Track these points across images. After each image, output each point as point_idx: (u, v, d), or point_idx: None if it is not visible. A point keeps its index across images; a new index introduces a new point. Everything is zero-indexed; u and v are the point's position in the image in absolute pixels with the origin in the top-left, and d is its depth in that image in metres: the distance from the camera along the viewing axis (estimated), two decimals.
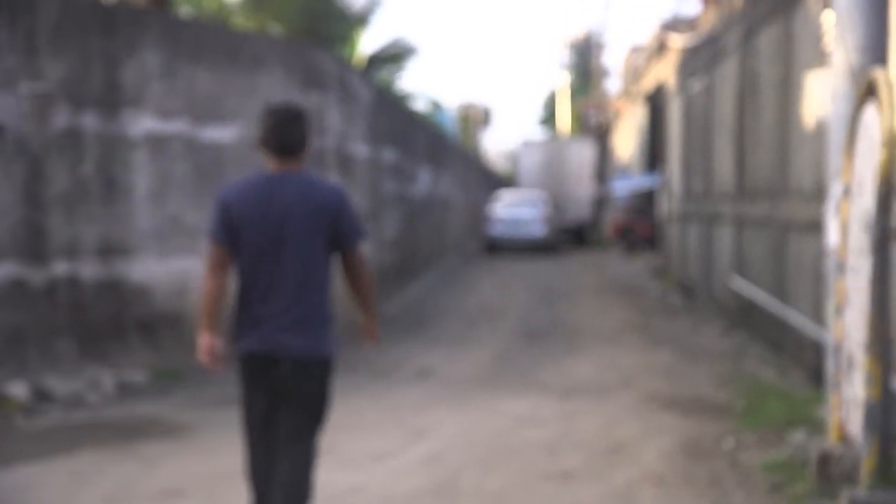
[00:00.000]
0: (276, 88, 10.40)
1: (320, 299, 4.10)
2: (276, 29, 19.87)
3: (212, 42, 9.50)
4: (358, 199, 12.60)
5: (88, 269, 8.28)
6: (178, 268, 9.17)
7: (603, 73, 33.61)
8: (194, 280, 9.35)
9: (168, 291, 9.04)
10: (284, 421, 4.08)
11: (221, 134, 9.63)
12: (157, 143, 8.90)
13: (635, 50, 35.06)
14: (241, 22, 19.39)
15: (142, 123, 8.72)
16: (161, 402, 7.81)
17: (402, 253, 17.54)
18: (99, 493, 5.32)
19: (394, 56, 28.02)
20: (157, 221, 8.92)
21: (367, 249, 4.37)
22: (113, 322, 8.51)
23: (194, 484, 5.50)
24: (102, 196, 8.42)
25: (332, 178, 11.67)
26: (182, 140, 9.16)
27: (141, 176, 8.75)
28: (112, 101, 8.46)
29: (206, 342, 4.04)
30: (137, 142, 8.69)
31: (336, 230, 4.08)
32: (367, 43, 25.95)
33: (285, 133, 4.07)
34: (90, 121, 8.28)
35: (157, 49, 8.84)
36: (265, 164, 4.16)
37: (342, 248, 4.12)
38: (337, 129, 11.86)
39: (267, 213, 4.03)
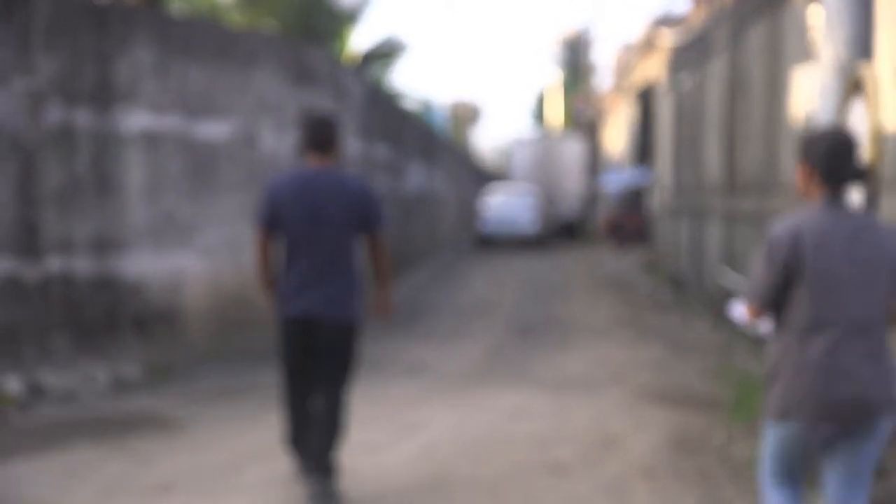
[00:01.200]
0: (269, 85, 10.42)
1: (348, 274, 5.05)
2: (269, 25, 19.86)
3: (204, 39, 9.52)
4: None
5: (82, 265, 8.30)
6: (171, 264, 9.19)
7: (594, 70, 33.62)
8: (188, 276, 9.37)
9: (162, 287, 9.07)
10: (320, 371, 5.07)
11: (215, 130, 9.66)
12: (151, 140, 8.92)
13: (626, 47, 35.07)
14: (235, 18, 19.39)
15: (135, 120, 8.74)
16: (155, 398, 7.83)
17: (394, 248, 17.57)
18: (93, 489, 5.34)
19: (385, 53, 28.01)
20: (150, 217, 8.94)
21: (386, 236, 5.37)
22: (107, 317, 8.53)
23: (188, 478, 5.53)
24: (96, 192, 8.44)
25: None
26: (175, 136, 9.18)
27: (134, 172, 8.77)
28: (105, 97, 8.48)
29: (267, 297, 5.21)
30: (130, 138, 8.71)
31: (361, 217, 5.03)
32: (359, 40, 25.95)
33: (317, 133, 5.05)
34: (83, 117, 8.29)
35: (149, 46, 8.86)
36: (306, 162, 5.11)
37: (366, 231, 5.08)
38: None
39: (304, 200, 4.96)
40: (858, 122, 4.65)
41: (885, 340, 3.42)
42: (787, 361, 3.47)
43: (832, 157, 3.47)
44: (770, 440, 3.56)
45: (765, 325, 3.58)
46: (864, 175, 3.49)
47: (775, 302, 3.49)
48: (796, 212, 3.56)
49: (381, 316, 5.31)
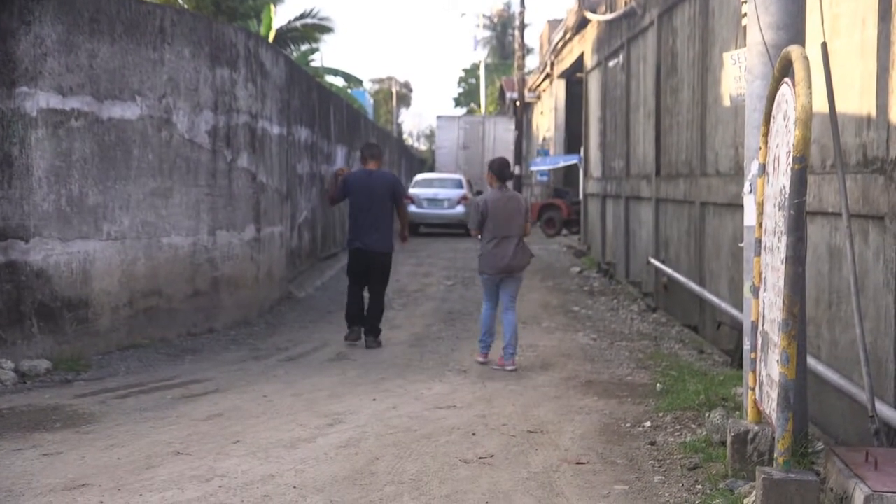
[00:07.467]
0: (183, 64, 10.02)
1: (388, 226, 9.83)
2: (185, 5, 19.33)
3: (114, 14, 9.09)
4: (266, 179, 12.26)
5: None
6: (80, 250, 8.79)
7: (522, 50, 33.50)
8: (98, 263, 8.97)
9: (70, 275, 8.66)
10: (372, 281, 9.90)
11: (125, 111, 9.24)
12: (57, 121, 8.49)
13: (552, 23, 34.95)
14: None
15: (40, 100, 8.30)
16: (63, 391, 7.50)
17: (316, 233, 17.27)
18: None
19: (308, 28, 27.54)
20: (57, 202, 8.51)
21: (406, 206, 10.24)
22: (11, 308, 8.12)
23: (99, 474, 5.25)
24: None
25: (243, 158, 11.33)
26: (83, 117, 8.75)
27: (40, 155, 8.33)
28: (6, 75, 8.03)
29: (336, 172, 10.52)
30: (35, 119, 8.27)
31: (392, 194, 9.86)
32: (281, 18, 25.49)
33: (371, 151, 10.11)
34: None
35: (54, 21, 8.42)
36: (366, 166, 10.02)
37: (395, 202, 9.90)
38: (247, 106, 11.51)
39: (364, 187, 9.79)
40: (787, 105, 4.55)
41: (521, 242, 8.77)
42: (484, 251, 8.80)
43: (498, 168, 8.85)
44: (482, 282, 9.00)
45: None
46: (511, 177, 8.90)
47: (480, 227, 8.75)
48: (487, 191, 8.95)
49: (403, 242, 10.82)
